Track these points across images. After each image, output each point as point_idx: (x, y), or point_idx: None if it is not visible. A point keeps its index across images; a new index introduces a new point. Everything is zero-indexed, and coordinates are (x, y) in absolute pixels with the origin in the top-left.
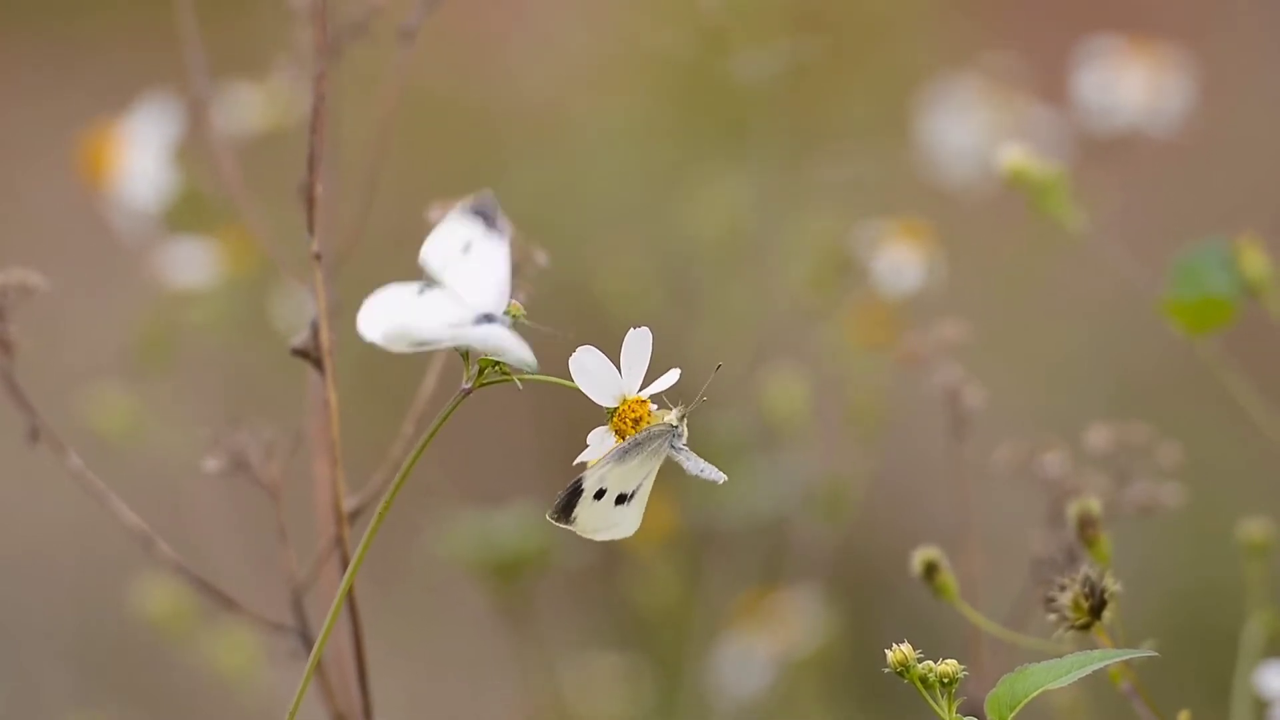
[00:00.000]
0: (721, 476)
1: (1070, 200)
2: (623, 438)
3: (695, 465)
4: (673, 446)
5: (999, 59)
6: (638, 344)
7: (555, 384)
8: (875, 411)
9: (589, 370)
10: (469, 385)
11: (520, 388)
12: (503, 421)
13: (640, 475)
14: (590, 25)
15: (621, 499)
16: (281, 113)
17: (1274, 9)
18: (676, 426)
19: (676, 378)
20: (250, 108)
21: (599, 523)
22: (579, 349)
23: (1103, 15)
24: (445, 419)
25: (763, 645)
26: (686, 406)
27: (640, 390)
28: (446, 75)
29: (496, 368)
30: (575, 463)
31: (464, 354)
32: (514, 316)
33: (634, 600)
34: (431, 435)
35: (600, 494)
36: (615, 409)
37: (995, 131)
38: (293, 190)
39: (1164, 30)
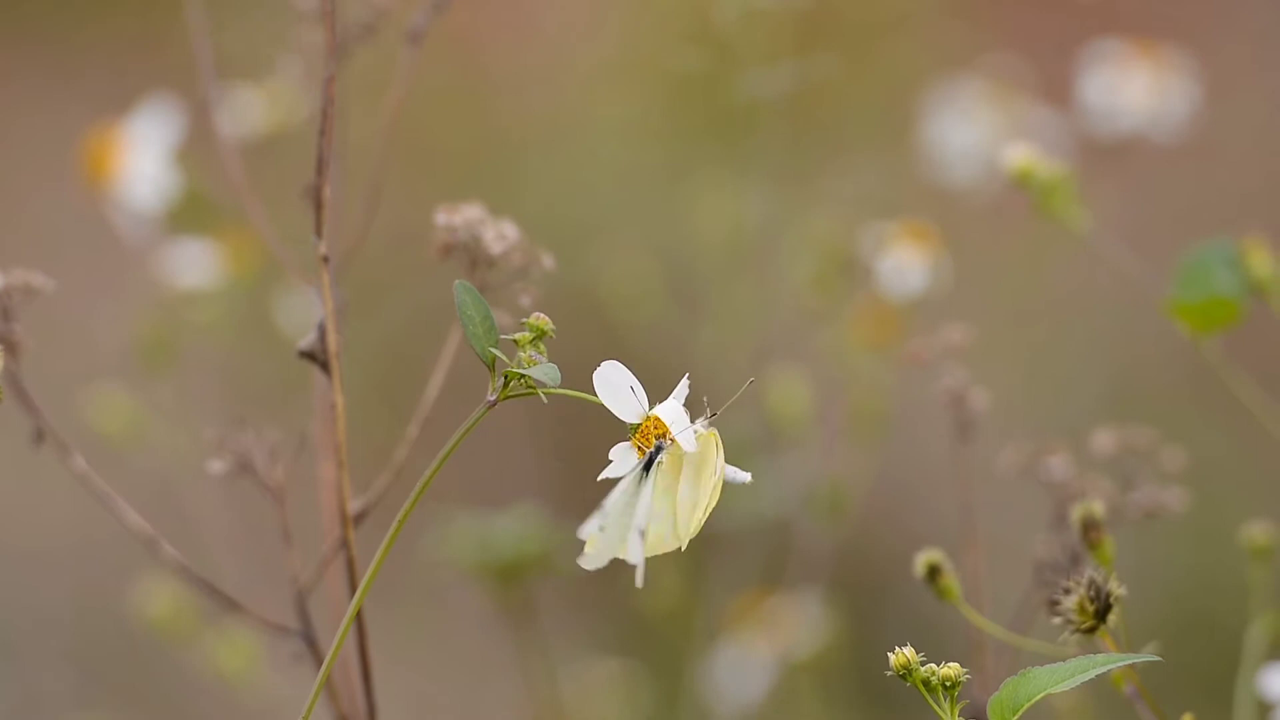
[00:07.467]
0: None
1: (1075, 200)
2: (644, 454)
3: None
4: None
5: (1001, 60)
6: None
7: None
8: (879, 414)
9: (614, 385)
10: (494, 398)
11: (545, 401)
12: (501, 425)
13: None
14: (598, 30)
15: None
16: (286, 114)
17: (1277, 9)
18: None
19: (686, 386)
20: (255, 109)
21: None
22: (603, 363)
23: (1102, 17)
24: (468, 431)
25: (762, 648)
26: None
27: (655, 406)
28: (453, 77)
29: (521, 380)
30: (600, 479)
31: (489, 364)
32: (541, 331)
33: (636, 604)
34: (454, 447)
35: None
36: (638, 425)
37: (998, 132)
38: (297, 191)
39: (1165, 31)
